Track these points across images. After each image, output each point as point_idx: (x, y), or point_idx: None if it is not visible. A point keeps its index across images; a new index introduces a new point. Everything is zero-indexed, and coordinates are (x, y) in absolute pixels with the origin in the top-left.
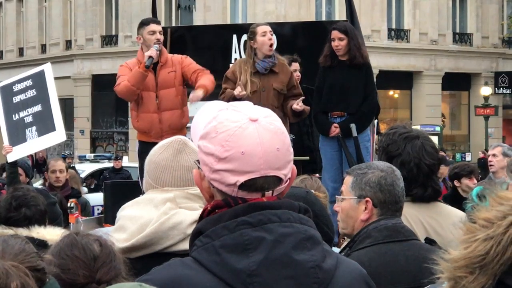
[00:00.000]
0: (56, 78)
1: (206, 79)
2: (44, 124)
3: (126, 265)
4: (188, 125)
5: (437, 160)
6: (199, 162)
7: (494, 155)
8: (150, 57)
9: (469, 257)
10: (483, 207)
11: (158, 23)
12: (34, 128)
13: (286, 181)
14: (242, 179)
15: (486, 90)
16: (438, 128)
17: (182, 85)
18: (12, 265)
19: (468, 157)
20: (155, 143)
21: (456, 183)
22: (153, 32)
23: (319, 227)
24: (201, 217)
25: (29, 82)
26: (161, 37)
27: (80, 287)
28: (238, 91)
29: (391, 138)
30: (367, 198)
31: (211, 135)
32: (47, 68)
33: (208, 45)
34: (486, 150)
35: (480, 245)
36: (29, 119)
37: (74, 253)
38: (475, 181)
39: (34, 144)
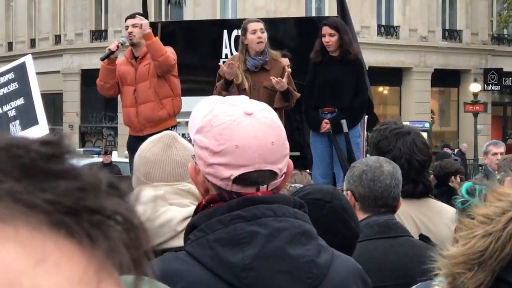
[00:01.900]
0: (45, 73)
1: (165, 49)
2: (27, 118)
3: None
4: (185, 120)
5: (428, 156)
6: (195, 157)
7: (502, 153)
8: (108, 49)
9: (467, 253)
10: (482, 203)
11: (132, 16)
12: (17, 122)
13: (282, 175)
14: (236, 173)
15: (475, 87)
16: (427, 125)
17: (158, 76)
18: None
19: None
20: (139, 137)
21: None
22: (127, 27)
23: (346, 221)
24: (196, 211)
25: (11, 75)
26: (135, 30)
27: None
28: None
29: (382, 134)
30: (349, 191)
31: (206, 129)
32: (28, 60)
33: (198, 41)
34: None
35: (479, 241)
36: (12, 113)
37: None
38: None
39: None
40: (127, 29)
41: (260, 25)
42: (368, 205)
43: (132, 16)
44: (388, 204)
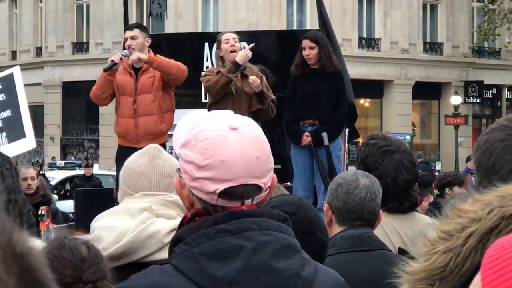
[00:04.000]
0: (26, 85)
1: (171, 60)
2: (14, 131)
3: (111, 271)
4: (170, 132)
5: (414, 175)
6: (180, 171)
7: None
8: (111, 61)
9: (429, 269)
10: (443, 219)
11: (131, 28)
12: (4, 134)
13: (266, 189)
14: (221, 187)
15: (456, 99)
16: (408, 137)
17: (162, 90)
18: None
19: (438, 166)
20: (133, 148)
21: (447, 191)
22: (126, 39)
23: (313, 233)
24: (181, 224)
25: None
26: (133, 42)
27: (67, 286)
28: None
29: (370, 150)
30: (327, 204)
31: (191, 144)
32: (16, 72)
33: (180, 53)
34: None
35: (440, 257)
36: None
37: (62, 254)
38: (465, 190)
39: (4, 151)
40: (126, 40)
41: (233, 35)
42: (343, 218)
43: (130, 28)
44: (362, 217)
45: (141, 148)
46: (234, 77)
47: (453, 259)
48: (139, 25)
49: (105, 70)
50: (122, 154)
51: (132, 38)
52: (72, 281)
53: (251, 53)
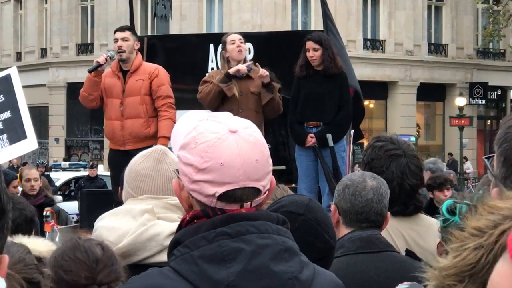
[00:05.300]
0: (31, 86)
1: (164, 127)
2: (15, 132)
3: (126, 271)
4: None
5: (420, 180)
6: (178, 172)
7: None
8: (96, 61)
9: (459, 265)
10: (473, 216)
11: (122, 30)
12: (5, 136)
13: (265, 192)
14: (220, 190)
15: (460, 101)
16: (413, 138)
17: (150, 94)
18: (8, 273)
19: (443, 168)
20: (120, 151)
21: (430, 194)
22: (116, 40)
23: (320, 235)
24: (180, 227)
25: None
26: (124, 44)
27: None
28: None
29: (376, 153)
30: (334, 205)
31: (190, 146)
32: (13, 72)
33: (184, 55)
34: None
35: (471, 254)
36: None
37: (77, 255)
38: (446, 193)
39: (6, 152)
40: (116, 41)
41: (239, 36)
42: (350, 219)
43: (121, 29)
44: (369, 219)
45: (126, 151)
46: (224, 86)
47: (484, 256)
48: (130, 28)
49: (89, 71)
50: (111, 157)
51: (123, 39)
52: (87, 283)
53: (246, 70)
